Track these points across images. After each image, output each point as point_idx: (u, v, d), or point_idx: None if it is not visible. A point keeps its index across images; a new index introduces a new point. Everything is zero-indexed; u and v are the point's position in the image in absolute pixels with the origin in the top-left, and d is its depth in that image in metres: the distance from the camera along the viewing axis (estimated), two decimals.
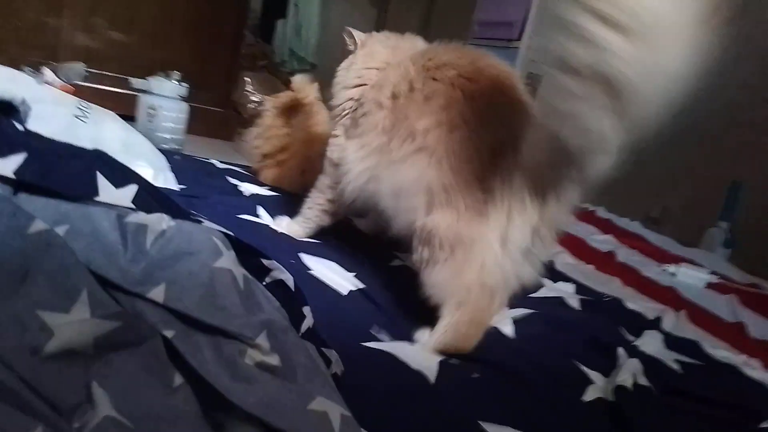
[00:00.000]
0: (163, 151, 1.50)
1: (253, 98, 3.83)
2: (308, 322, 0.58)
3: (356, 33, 1.18)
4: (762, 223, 2.18)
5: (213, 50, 3.12)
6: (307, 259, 1.07)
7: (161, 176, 1.23)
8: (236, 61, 3.23)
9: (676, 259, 1.75)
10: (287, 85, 4.40)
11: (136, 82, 1.87)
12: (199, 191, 1.30)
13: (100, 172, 0.53)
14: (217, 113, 3.12)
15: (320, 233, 1.23)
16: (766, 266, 2.10)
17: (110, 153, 1.15)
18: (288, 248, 1.10)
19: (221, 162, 1.75)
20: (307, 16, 4.21)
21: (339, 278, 1.03)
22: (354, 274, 1.07)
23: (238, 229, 1.08)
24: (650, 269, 1.63)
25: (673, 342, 1.11)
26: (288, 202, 1.43)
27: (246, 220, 1.19)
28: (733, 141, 2.34)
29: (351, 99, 1.08)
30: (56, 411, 0.38)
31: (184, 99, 1.96)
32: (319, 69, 4.46)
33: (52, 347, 0.40)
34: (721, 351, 1.12)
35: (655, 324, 1.17)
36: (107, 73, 2.57)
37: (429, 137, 0.86)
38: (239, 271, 0.50)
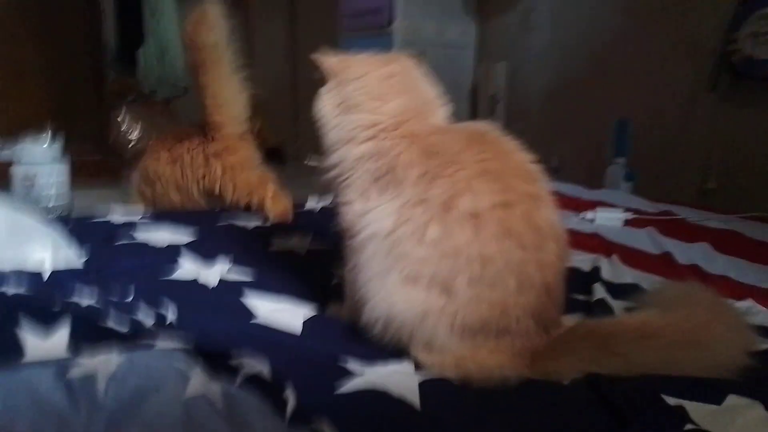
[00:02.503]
0: (51, 222, 1.36)
1: (131, 135, 3.60)
2: (291, 405, 0.53)
3: (323, 56, 0.97)
4: (652, 151, 2.33)
5: (74, 96, 2.89)
6: (252, 302, 1.01)
7: (61, 255, 1.10)
8: (102, 103, 3.01)
9: (591, 205, 1.83)
10: (163, 114, 4.19)
11: (1, 154, 1.67)
12: (106, 261, 1.18)
13: (18, 326, 0.43)
14: (95, 162, 2.90)
15: (258, 265, 1.19)
16: (667, 191, 2.26)
17: None
18: (229, 299, 1.03)
19: (120, 217, 1.60)
20: (167, 39, 3.98)
21: (288, 315, 0.98)
22: (301, 300, 1.03)
23: (167, 295, 1.01)
24: (570, 220, 1.69)
25: (616, 290, 1.15)
26: (204, 244, 1.34)
27: (172, 281, 1.10)
28: (612, 83, 2.48)
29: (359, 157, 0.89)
30: None
31: (60, 158, 1.78)
32: (193, 91, 4.27)
33: None
34: (658, 285, 1.18)
35: (595, 276, 1.21)
36: None
37: None
38: (214, 391, 0.44)
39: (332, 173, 0.93)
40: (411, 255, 0.80)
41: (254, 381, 0.49)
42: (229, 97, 1.72)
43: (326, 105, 0.95)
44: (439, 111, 0.94)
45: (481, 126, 0.90)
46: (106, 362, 0.41)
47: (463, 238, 0.78)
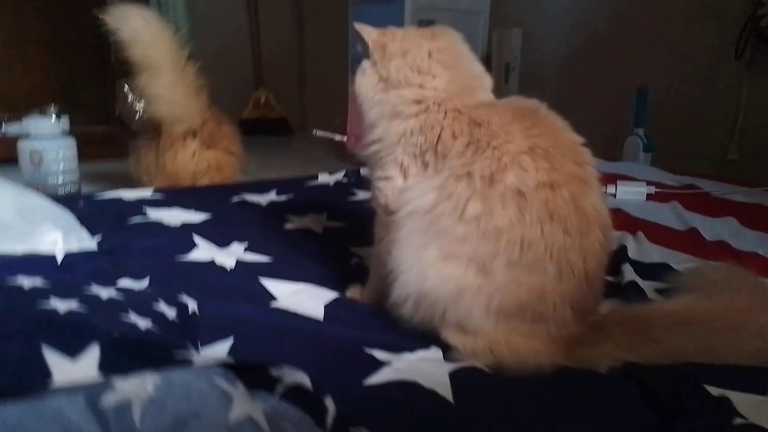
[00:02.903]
0: (62, 200, 1.33)
1: (138, 106, 3.54)
2: (331, 413, 0.50)
3: (366, 28, 0.92)
4: (671, 121, 2.27)
5: (80, 64, 2.82)
6: (271, 286, 0.98)
7: (73, 236, 1.07)
8: (108, 70, 2.94)
9: (611, 179, 1.78)
10: None
11: (9, 127, 1.63)
12: (119, 241, 1.15)
13: (45, 344, 0.40)
14: (102, 133, 2.85)
15: (276, 246, 1.16)
16: (686, 162, 2.20)
17: (6, 227, 1.01)
18: (248, 281, 1.00)
19: (130, 192, 1.57)
20: (172, 6, 3.89)
21: (309, 298, 0.96)
22: (321, 282, 1.00)
23: (184, 278, 0.98)
24: None
25: (645, 270, 1.12)
26: (219, 223, 1.31)
27: (188, 263, 1.07)
28: (630, 50, 2.40)
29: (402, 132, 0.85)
30: None
31: (68, 133, 1.74)
32: (198, 58, 4.19)
33: None
34: (688, 264, 1.15)
35: (622, 255, 1.18)
36: None
37: None
38: (258, 411, 0.40)
39: (373, 148, 0.89)
40: (450, 232, 0.76)
41: (295, 391, 0.46)
42: (171, 97, 1.66)
43: (368, 80, 0.90)
44: (485, 86, 0.90)
45: (530, 102, 0.85)
46: (141, 385, 0.37)
47: (506, 218, 0.74)
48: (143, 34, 1.58)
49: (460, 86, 0.86)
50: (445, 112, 0.83)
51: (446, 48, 0.88)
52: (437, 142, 0.82)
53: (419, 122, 0.84)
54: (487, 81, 0.90)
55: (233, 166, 1.84)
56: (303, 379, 0.48)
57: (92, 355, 0.41)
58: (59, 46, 2.73)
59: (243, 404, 0.40)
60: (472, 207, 0.75)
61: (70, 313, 0.47)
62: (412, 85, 0.85)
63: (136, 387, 0.37)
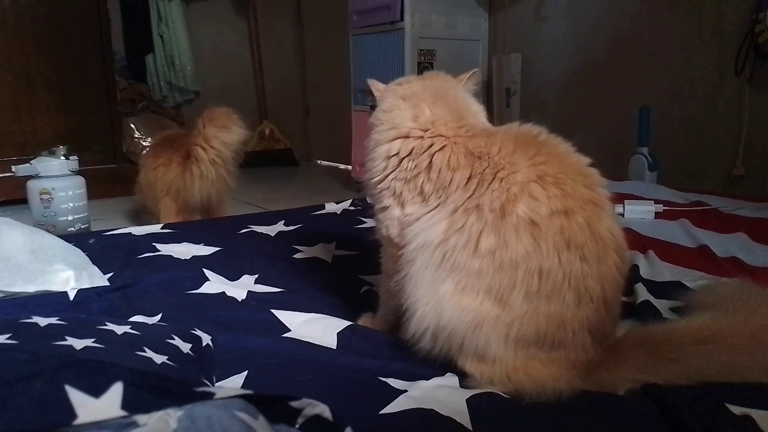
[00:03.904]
0: (72, 238, 1.34)
1: (145, 142, 3.59)
2: None
3: (377, 84, 0.98)
4: (675, 139, 2.27)
5: (87, 105, 2.86)
6: (283, 317, 0.98)
7: (84, 275, 1.08)
8: (115, 111, 2.98)
9: (618, 199, 1.78)
10: (176, 120, 4.18)
11: (19, 168, 1.65)
12: (130, 276, 1.16)
13: (68, 384, 0.40)
14: (110, 170, 2.88)
15: (286, 276, 1.16)
16: (692, 179, 2.20)
17: (18, 267, 1.01)
18: (259, 312, 1.00)
19: (140, 228, 1.58)
20: (176, 45, 3.98)
21: (321, 327, 0.95)
22: (332, 310, 1.01)
23: (196, 312, 0.98)
24: None
25: (658, 289, 1.11)
26: (228, 256, 1.31)
27: (200, 295, 1.07)
28: (631, 70, 2.42)
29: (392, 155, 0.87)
30: None
31: (77, 172, 1.76)
32: (203, 95, 4.25)
33: None
34: (701, 282, 1.14)
35: (634, 274, 1.17)
36: None
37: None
38: None
39: (366, 176, 0.91)
40: (465, 267, 0.76)
41: (315, 422, 0.46)
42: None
43: (371, 123, 0.94)
44: (473, 112, 0.90)
45: (529, 128, 0.85)
46: (164, 421, 0.37)
47: (521, 249, 0.74)
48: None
49: (448, 114, 0.86)
50: (432, 140, 0.84)
51: (435, 84, 0.91)
52: (429, 167, 0.82)
53: (405, 146, 0.85)
54: (475, 106, 0.92)
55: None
56: (323, 410, 0.48)
57: (115, 392, 0.41)
58: (67, 88, 2.78)
59: None
60: (486, 240, 0.75)
61: (91, 352, 0.47)
62: (396, 111, 0.89)
63: (159, 422, 0.37)
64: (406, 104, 0.89)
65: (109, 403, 0.40)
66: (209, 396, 0.41)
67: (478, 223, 0.76)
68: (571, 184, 0.76)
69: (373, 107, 0.96)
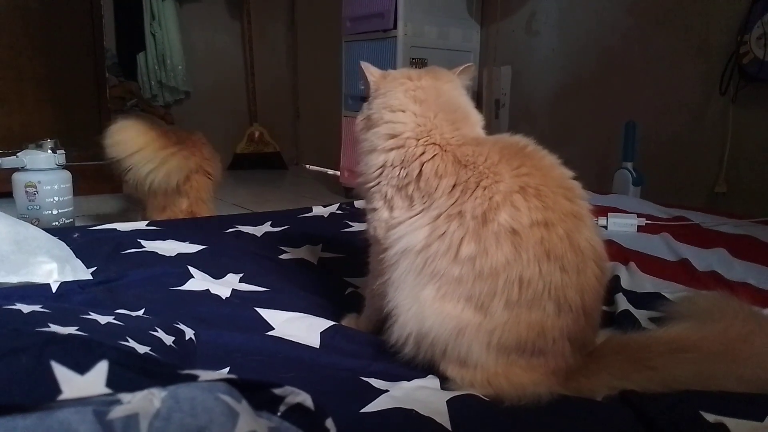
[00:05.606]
0: (56, 232, 1.33)
1: None
2: None
3: (371, 68, 0.96)
4: (660, 155, 2.31)
5: (76, 102, 2.85)
6: (267, 315, 0.98)
7: (68, 267, 1.07)
8: (105, 108, 2.97)
9: (601, 211, 1.81)
10: (165, 119, 4.16)
11: (5, 160, 1.64)
12: (114, 271, 1.15)
13: (54, 360, 0.40)
14: (98, 168, 2.86)
15: (271, 276, 1.16)
16: (675, 195, 2.24)
17: (1, 257, 1.01)
18: (243, 310, 1.00)
19: (125, 224, 1.57)
20: (168, 44, 3.97)
21: (305, 326, 0.95)
22: (316, 310, 1.01)
23: (179, 307, 0.98)
24: None
25: (638, 300, 1.12)
26: (214, 254, 1.31)
27: (184, 292, 1.07)
28: (619, 86, 2.46)
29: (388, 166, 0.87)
30: None
31: (63, 166, 1.75)
32: (194, 95, 4.25)
33: None
34: (680, 294, 1.16)
35: (615, 285, 1.19)
36: None
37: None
38: (263, 428, 0.40)
39: (360, 180, 0.92)
40: (446, 273, 0.77)
41: (296, 411, 0.47)
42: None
43: (360, 121, 0.95)
44: (471, 121, 0.91)
45: (517, 139, 0.86)
46: (148, 399, 0.37)
47: (501, 257, 0.74)
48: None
49: (440, 121, 0.87)
50: (424, 147, 0.84)
51: (426, 86, 0.91)
52: (419, 176, 0.83)
53: (398, 155, 0.86)
54: (474, 116, 0.92)
55: (208, 189, 1.89)
56: (305, 399, 0.48)
57: (101, 370, 0.41)
58: (56, 83, 2.76)
59: (248, 420, 0.40)
60: (467, 247, 0.76)
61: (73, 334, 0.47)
62: (386, 122, 0.88)
63: (143, 401, 0.37)
64: (417, 108, 0.88)
65: (94, 381, 0.40)
66: (193, 378, 0.42)
67: (460, 230, 0.77)
68: (552, 197, 0.77)
69: (363, 99, 0.96)
